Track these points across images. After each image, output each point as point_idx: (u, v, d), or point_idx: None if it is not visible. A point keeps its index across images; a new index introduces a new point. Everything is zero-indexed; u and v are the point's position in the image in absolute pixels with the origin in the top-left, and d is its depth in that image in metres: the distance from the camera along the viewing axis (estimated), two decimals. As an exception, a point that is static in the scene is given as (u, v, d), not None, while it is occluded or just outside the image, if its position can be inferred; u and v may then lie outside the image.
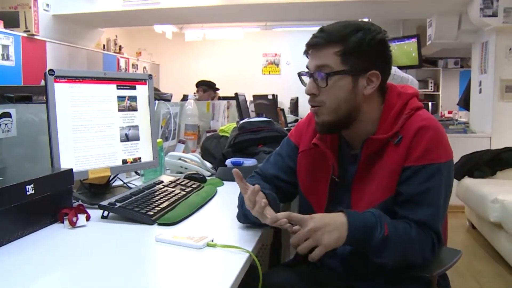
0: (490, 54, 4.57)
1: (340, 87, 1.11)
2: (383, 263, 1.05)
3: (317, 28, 1.15)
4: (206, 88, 5.55)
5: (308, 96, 1.16)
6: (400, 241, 1.03)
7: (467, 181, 3.72)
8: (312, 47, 1.13)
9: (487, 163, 3.77)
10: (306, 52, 1.16)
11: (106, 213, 1.23)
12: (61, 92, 1.27)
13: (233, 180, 1.68)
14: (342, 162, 1.21)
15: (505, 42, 4.46)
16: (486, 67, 4.66)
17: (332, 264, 1.19)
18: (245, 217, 1.17)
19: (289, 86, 7.80)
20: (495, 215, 3.05)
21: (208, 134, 2.56)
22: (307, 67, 1.17)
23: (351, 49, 1.09)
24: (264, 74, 8.66)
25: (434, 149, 1.07)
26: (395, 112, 1.12)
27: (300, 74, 1.22)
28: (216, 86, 5.69)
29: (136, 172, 1.81)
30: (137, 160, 1.48)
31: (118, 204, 1.22)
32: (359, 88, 1.12)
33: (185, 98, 4.55)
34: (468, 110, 5.27)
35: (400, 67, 5.59)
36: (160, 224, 1.17)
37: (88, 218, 1.20)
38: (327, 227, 1.00)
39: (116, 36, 7.58)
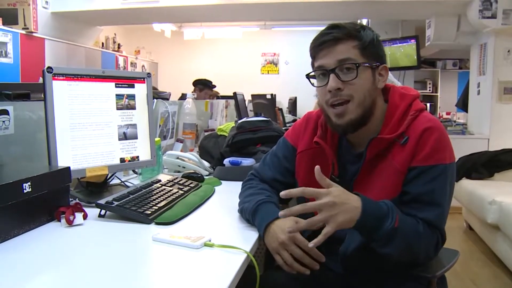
0: (488, 56, 4.58)
1: (365, 79, 1.12)
2: (388, 254, 1.04)
3: (316, 28, 1.15)
4: (202, 87, 5.56)
5: (331, 92, 1.11)
6: (407, 234, 1.03)
7: (465, 182, 3.72)
8: (328, 42, 1.12)
9: (485, 165, 3.78)
10: (316, 51, 1.14)
11: (103, 212, 1.22)
12: (59, 89, 1.27)
13: (230, 180, 1.70)
14: (341, 162, 1.21)
15: (503, 44, 4.46)
16: (484, 68, 4.67)
17: (332, 265, 1.19)
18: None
19: (288, 86, 7.84)
20: (492, 216, 3.05)
21: (206, 133, 2.55)
22: (318, 67, 1.14)
23: (366, 44, 1.12)
24: (263, 73, 8.67)
25: (440, 150, 1.08)
26: (400, 113, 1.13)
27: (309, 76, 1.19)
28: (213, 84, 5.69)
29: (133, 171, 1.81)
30: (135, 158, 1.48)
31: (116, 203, 1.21)
32: (376, 81, 1.15)
33: (183, 97, 4.54)
34: (466, 111, 5.28)
35: (398, 68, 5.63)
36: (157, 224, 1.17)
37: (85, 216, 1.19)
38: (344, 206, 0.98)
39: (115, 34, 7.58)
